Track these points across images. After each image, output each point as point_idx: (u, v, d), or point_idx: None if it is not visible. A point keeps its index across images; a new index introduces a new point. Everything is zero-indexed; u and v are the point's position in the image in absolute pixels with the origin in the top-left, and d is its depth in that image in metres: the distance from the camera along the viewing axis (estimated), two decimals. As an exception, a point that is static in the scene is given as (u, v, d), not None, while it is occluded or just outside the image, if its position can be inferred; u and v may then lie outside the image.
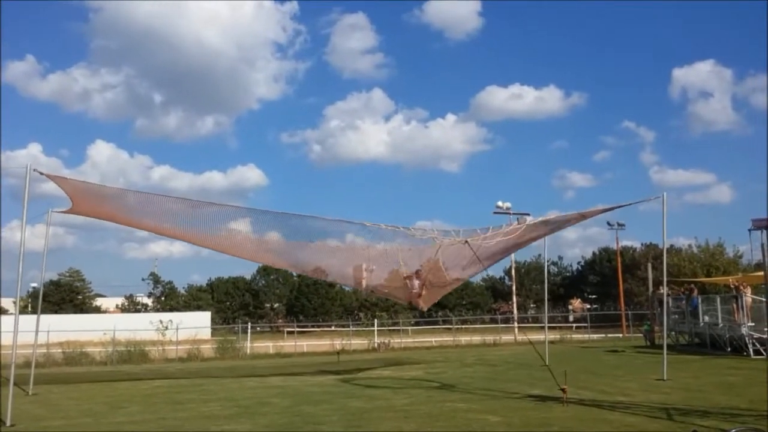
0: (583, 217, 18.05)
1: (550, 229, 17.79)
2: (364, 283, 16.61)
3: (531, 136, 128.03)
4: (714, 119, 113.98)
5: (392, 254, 16.04)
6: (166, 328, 33.76)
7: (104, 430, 10.93)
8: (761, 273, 21.83)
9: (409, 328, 48.28)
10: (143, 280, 68.84)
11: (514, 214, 43.05)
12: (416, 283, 16.26)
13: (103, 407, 13.46)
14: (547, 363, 19.97)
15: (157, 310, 59.55)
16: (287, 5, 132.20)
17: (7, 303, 63.13)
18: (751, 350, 21.30)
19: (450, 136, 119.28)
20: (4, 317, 46.81)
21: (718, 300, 24.35)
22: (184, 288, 68.97)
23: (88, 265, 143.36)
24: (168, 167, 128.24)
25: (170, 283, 68.99)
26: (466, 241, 14.92)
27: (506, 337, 37.30)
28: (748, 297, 22.76)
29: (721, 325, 23.46)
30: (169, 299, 65.99)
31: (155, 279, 68.38)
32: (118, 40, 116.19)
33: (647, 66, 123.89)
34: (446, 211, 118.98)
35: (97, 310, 65.28)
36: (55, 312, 53.98)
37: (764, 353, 20.76)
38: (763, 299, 21.75)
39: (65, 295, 63.54)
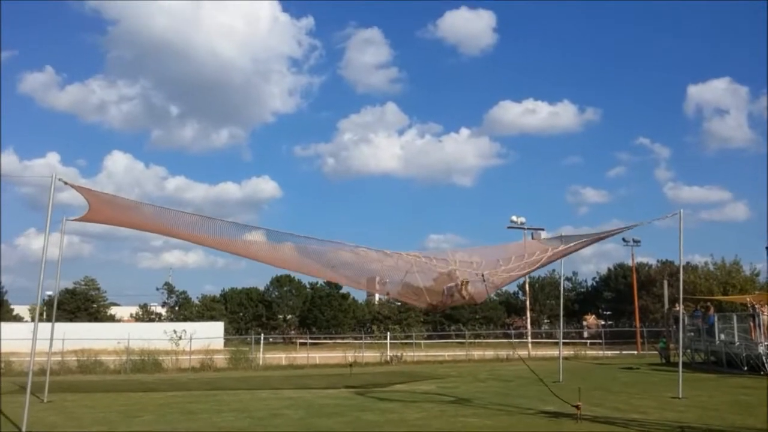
0: (600, 238, 18.00)
1: (568, 252, 17.72)
2: (377, 296, 16.53)
3: (545, 152, 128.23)
4: (730, 136, 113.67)
5: (406, 267, 15.99)
6: (180, 337, 33.87)
7: (118, 438, 11.00)
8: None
9: (422, 341, 48.18)
10: (157, 289, 69.36)
11: (528, 229, 43.03)
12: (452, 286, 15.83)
13: (117, 416, 13.53)
14: (560, 379, 19.93)
15: (171, 320, 59.85)
16: (303, 20, 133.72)
17: (22, 310, 63.73)
18: (768, 369, 21.08)
19: (463, 150, 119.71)
20: (19, 325, 47.35)
21: (735, 318, 24.11)
22: (197, 298, 69.35)
23: (103, 274, 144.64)
24: (183, 178, 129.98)
25: (184, 293, 69.44)
26: (482, 275, 14.86)
27: (519, 353, 37.04)
28: (766, 315, 22.53)
29: (737, 343, 23.21)
30: (182, 309, 66.31)
31: (169, 289, 68.79)
32: (134, 52, 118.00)
33: (662, 82, 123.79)
34: (459, 225, 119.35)
35: (112, 318, 65.72)
36: (70, 320, 54.40)
37: (781, 373, 20.54)
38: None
39: (80, 304, 63.99)
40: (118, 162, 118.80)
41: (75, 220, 14.81)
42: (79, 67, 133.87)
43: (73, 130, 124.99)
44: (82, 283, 67.33)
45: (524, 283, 53.79)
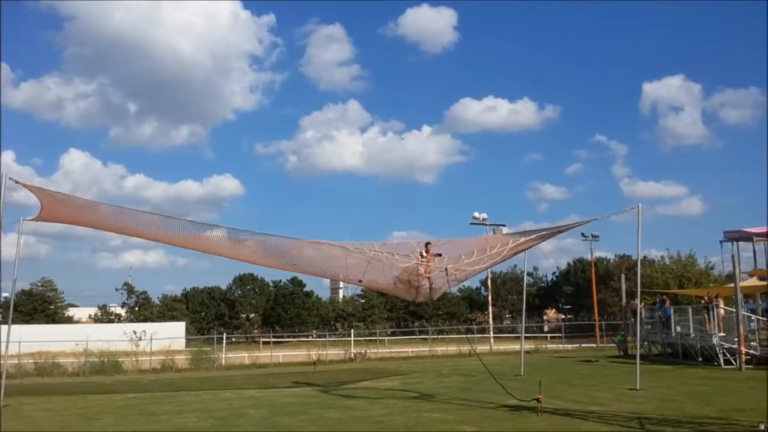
0: (559, 231, 18.28)
1: (529, 246, 17.94)
2: (340, 293, 16.44)
3: (505, 149, 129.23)
4: (685, 133, 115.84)
5: (368, 262, 15.99)
6: (140, 338, 33.42)
7: (77, 442, 10.81)
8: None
9: (386, 338, 48.28)
10: (117, 290, 67.83)
11: (490, 224, 43.45)
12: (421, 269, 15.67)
13: (76, 419, 13.30)
14: (522, 373, 20.19)
15: (131, 321, 58.87)
16: (264, 17, 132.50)
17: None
18: (721, 360, 21.64)
19: (425, 147, 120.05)
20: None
21: (690, 311, 24.72)
22: (158, 298, 68.18)
23: (60, 274, 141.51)
24: (142, 176, 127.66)
25: (144, 293, 68.13)
26: (446, 270, 15.01)
27: (482, 347, 37.48)
28: (721, 309, 23.12)
29: (692, 335, 23.81)
30: (143, 309, 65.17)
31: (129, 289, 67.46)
32: (91, 48, 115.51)
33: (618, 80, 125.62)
34: (422, 222, 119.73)
35: (70, 320, 64.27)
36: (27, 322, 53.11)
37: (734, 363, 21.11)
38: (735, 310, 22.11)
39: (37, 305, 62.43)
40: (75, 160, 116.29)
41: (30, 220, 14.50)
42: (35, 64, 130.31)
43: (29, 128, 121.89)
44: (39, 284, 65.70)
45: (486, 278, 54.27)
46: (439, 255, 15.50)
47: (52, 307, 64.93)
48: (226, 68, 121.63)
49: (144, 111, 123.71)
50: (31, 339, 30.04)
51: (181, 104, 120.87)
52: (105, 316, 64.98)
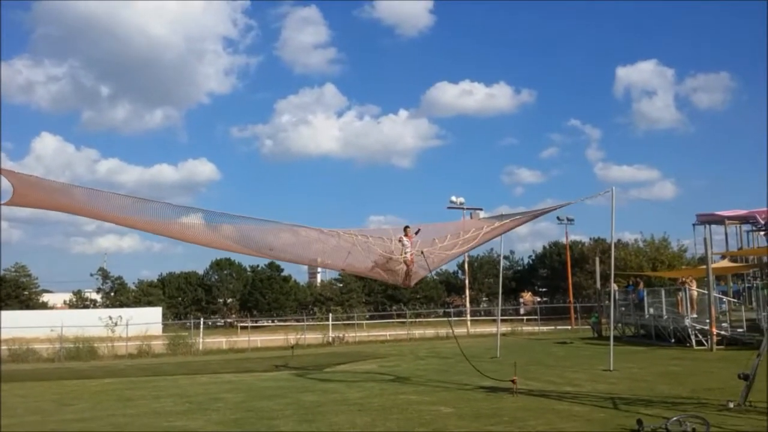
0: (535, 216, 18.41)
1: (504, 230, 18.03)
2: (318, 278, 16.32)
3: (481, 133, 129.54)
4: (658, 117, 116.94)
5: (348, 248, 15.97)
6: (116, 324, 33.18)
7: (52, 428, 10.73)
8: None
9: (364, 322, 48.43)
10: (92, 275, 67.34)
11: (467, 209, 43.67)
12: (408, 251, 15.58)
13: (51, 405, 13.20)
14: (498, 355, 20.39)
15: (107, 306, 58.45)
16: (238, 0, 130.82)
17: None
18: (693, 341, 22.02)
19: (402, 131, 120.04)
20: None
21: (663, 293, 25.09)
22: (134, 283, 67.79)
23: (34, 259, 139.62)
24: (116, 160, 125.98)
25: (120, 278, 67.72)
26: (422, 252, 15.03)
27: (459, 330, 37.71)
28: (694, 290, 23.49)
29: (665, 316, 24.17)
30: (118, 295, 64.77)
31: (104, 274, 66.96)
32: (61, 30, 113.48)
33: (592, 64, 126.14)
34: (399, 206, 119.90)
35: (44, 306, 63.64)
36: (1, 308, 52.50)
37: (705, 344, 21.49)
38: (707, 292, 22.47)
39: (11, 291, 61.73)
40: (47, 144, 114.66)
41: (4, 204, 14.24)
42: (4, 46, 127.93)
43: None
44: (12, 269, 64.96)
45: (463, 262, 54.57)
46: (417, 231, 15.43)
47: (26, 292, 64.26)
48: (199, 51, 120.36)
49: (116, 94, 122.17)
50: (5, 325, 29.70)
51: (155, 87, 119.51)
52: (80, 302, 64.40)
